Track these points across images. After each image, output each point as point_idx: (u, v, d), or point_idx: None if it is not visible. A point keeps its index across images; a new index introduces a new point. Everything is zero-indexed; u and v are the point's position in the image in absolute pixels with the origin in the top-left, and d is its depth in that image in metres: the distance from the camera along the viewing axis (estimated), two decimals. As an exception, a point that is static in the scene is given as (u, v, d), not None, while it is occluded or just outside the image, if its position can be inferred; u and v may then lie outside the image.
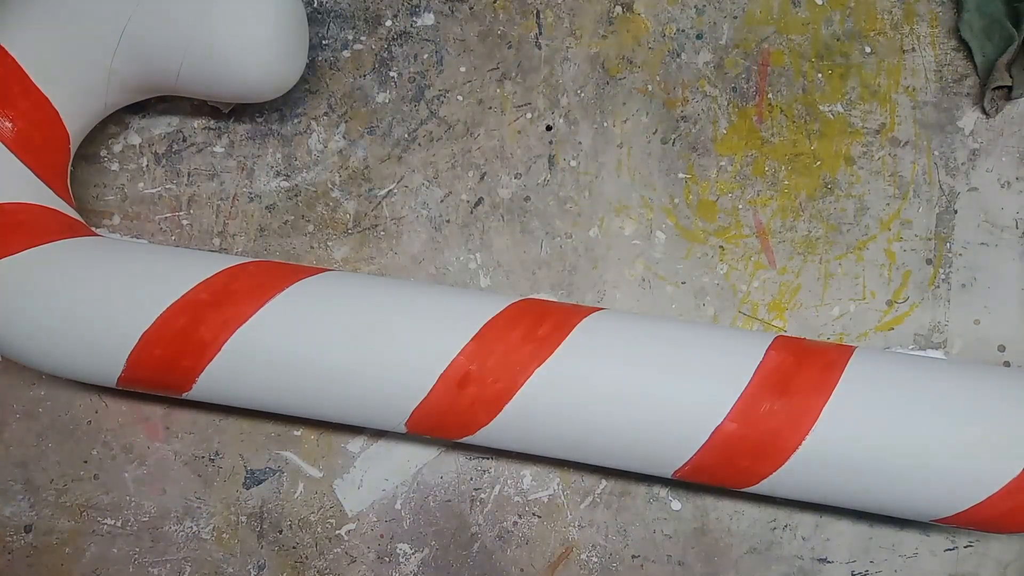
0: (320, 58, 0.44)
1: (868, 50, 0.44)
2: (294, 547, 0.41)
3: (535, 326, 0.35)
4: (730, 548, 0.41)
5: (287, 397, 0.36)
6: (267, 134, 0.44)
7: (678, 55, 0.44)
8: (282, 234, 0.43)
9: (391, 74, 0.44)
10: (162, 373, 0.35)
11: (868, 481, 0.34)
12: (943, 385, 0.34)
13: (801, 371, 0.34)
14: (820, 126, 0.44)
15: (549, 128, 0.44)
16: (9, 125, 0.36)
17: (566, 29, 0.45)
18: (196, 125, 0.44)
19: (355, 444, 0.42)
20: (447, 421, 0.35)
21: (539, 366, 0.34)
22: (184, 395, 0.37)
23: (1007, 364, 0.42)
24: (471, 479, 0.42)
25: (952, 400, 0.33)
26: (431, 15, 0.45)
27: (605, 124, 0.44)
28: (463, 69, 0.44)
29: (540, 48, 0.44)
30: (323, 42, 0.44)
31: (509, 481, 0.41)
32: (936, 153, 0.43)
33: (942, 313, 0.42)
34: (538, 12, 0.45)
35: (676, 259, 0.43)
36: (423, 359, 0.34)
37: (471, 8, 0.45)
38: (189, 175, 0.44)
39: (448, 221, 0.43)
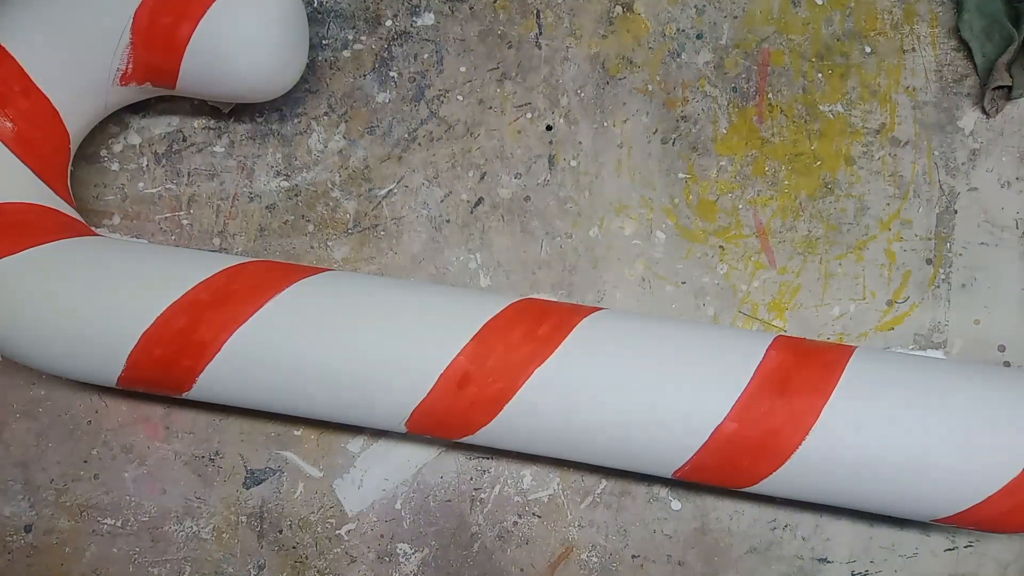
0: (320, 58, 0.44)
1: (868, 50, 0.44)
2: (294, 547, 0.41)
3: (535, 326, 0.35)
4: (730, 548, 0.41)
5: (287, 397, 0.36)
6: (267, 134, 0.44)
7: (678, 55, 0.44)
8: (282, 234, 0.43)
9: (391, 74, 0.44)
10: (162, 373, 0.35)
11: (868, 481, 0.34)
12: (943, 385, 0.34)
13: (801, 371, 0.34)
14: (820, 126, 0.44)
15: (549, 128, 0.44)
16: (9, 125, 0.36)
17: (566, 29, 0.45)
18: (196, 125, 0.44)
19: (355, 444, 0.42)
20: (447, 421, 0.35)
21: (539, 366, 0.34)
22: (184, 395, 0.37)
23: (1007, 364, 0.42)
24: (471, 479, 0.42)
25: (952, 400, 0.33)
26: (431, 15, 0.45)
27: (605, 124, 0.44)
28: (463, 69, 0.44)
29: (540, 48, 0.44)
30: (323, 42, 0.44)
31: (509, 481, 0.41)
32: (936, 153, 0.43)
33: (942, 313, 0.42)
34: (538, 12, 0.45)
35: (676, 259, 0.43)
36: (423, 359, 0.34)
37: (471, 8, 0.45)
38: (189, 175, 0.44)
39: (448, 221, 0.43)
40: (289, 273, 0.36)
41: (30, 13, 0.37)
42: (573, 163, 0.44)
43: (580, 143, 0.44)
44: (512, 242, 0.43)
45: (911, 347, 0.42)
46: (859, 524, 0.41)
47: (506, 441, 0.36)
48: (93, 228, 0.41)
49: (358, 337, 0.35)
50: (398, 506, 0.41)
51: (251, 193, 0.44)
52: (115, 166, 0.44)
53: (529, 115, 0.44)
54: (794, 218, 0.43)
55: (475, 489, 0.41)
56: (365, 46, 0.45)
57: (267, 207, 0.43)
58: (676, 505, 0.41)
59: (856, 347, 0.36)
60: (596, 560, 0.41)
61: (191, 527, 0.41)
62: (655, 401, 0.34)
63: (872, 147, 0.43)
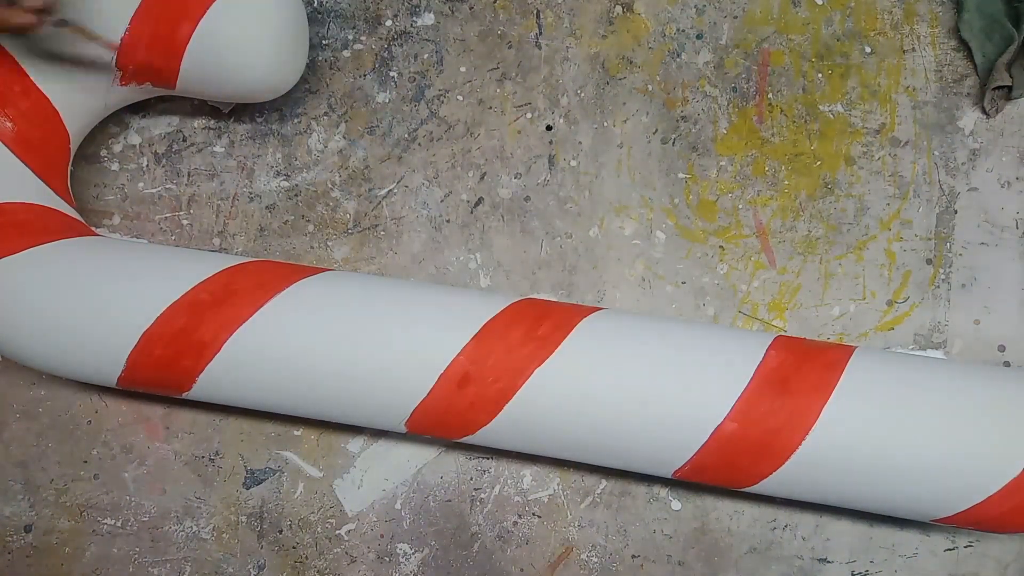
0: (320, 58, 0.44)
1: (868, 50, 0.44)
2: (294, 547, 0.41)
3: (535, 326, 0.35)
4: (730, 548, 0.41)
5: (287, 397, 0.36)
6: (267, 134, 0.44)
7: (678, 55, 0.44)
8: (282, 234, 0.43)
9: (391, 74, 0.44)
10: (162, 373, 0.35)
11: (868, 481, 0.34)
12: (943, 385, 0.34)
13: (801, 371, 0.34)
14: (820, 126, 0.44)
15: (549, 128, 0.44)
16: (9, 125, 0.36)
17: (566, 29, 0.45)
18: (196, 125, 0.44)
19: (355, 444, 0.42)
20: (447, 421, 0.35)
21: (539, 366, 0.34)
22: (184, 395, 0.37)
23: (1007, 364, 0.42)
24: (471, 479, 0.42)
25: (952, 400, 0.33)
26: (431, 15, 0.45)
27: (605, 124, 0.44)
28: (463, 69, 0.44)
29: (540, 48, 0.44)
30: (323, 42, 0.44)
31: (509, 481, 0.41)
32: (936, 153, 0.43)
33: (942, 313, 0.42)
34: (538, 12, 0.45)
35: (676, 259, 0.43)
36: (423, 359, 0.34)
37: (471, 8, 0.45)
38: (189, 175, 0.44)
39: (448, 221, 0.43)
40: (289, 273, 0.36)
41: (30, 13, 0.37)
42: (573, 163, 0.44)
43: (580, 143, 0.44)
44: (512, 242, 0.43)
45: (911, 347, 0.42)
46: (859, 524, 0.41)
47: (506, 441, 0.36)
48: (93, 228, 0.41)
49: (358, 337, 0.35)
50: (398, 506, 0.41)
51: (251, 193, 0.44)
52: (115, 166, 0.44)
53: (529, 115, 0.44)
54: (794, 218, 0.43)
55: (475, 489, 0.41)
56: (365, 46, 0.45)
57: (267, 207, 0.43)
58: (676, 505, 0.41)
59: (856, 347, 0.36)
60: (596, 560, 0.41)
61: (191, 527, 0.41)
62: (655, 401, 0.34)
63: (872, 147, 0.43)
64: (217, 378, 0.35)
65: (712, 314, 0.42)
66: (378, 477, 0.42)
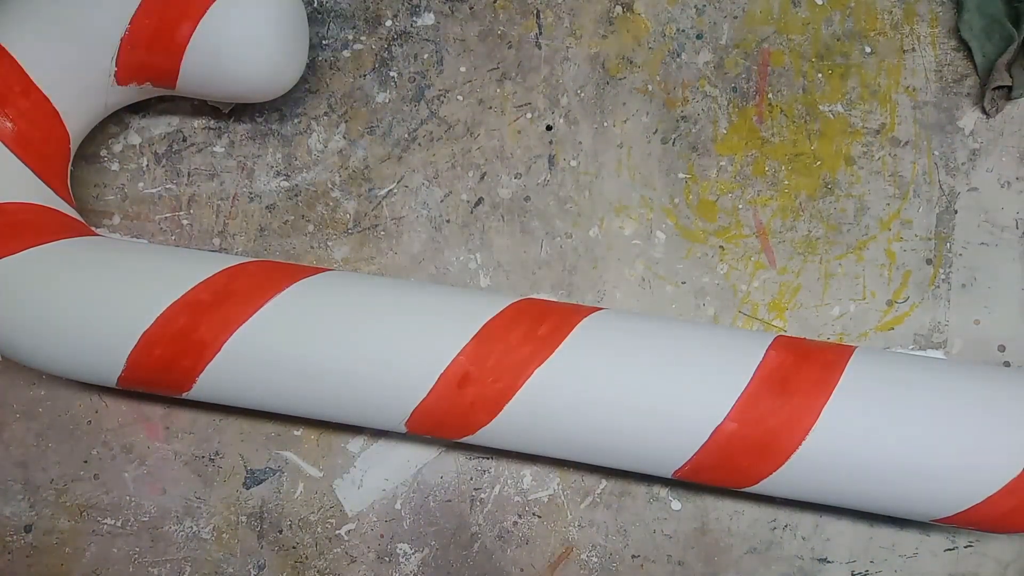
0: (320, 58, 0.44)
1: (868, 50, 0.44)
2: (294, 547, 0.41)
3: (535, 326, 0.35)
4: (730, 548, 0.41)
5: (287, 397, 0.36)
6: (267, 134, 0.44)
7: (678, 55, 0.44)
8: (282, 234, 0.43)
9: (391, 74, 0.44)
10: (162, 373, 0.35)
11: (868, 481, 0.34)
12: (943, 385, 0.34)
13: (801, 371, 0.34)
14: (820, 126, 0.44)
15: (549, 128, 0.44)
16: (9, 125, 0.36)
17: (566, 29, 0.45)
18: (196, 125, 0.44)
19: (355, 444, 0.42)
20: (447, 421, 0.35)
21: (539, 366, 0.34)
22: (184, 395, 0.37)
23: (1007, 364, 0.42)
24: (471, 479, 0.42)
25: (952, 400, 0.33)
26: (431, 15, 0.45)
27: (605, 124, 0.44)
28: (463, 69, 0.44)
29: (540, 48, 0.44)
30: (323, 42, 0.44)
31: (509, 481, 0.41)
32: (936, 153, 0.43)
33: (942, 313, 0.42)
34: (538, 12, 0.45)
35: (676, 259, 0.43)
36: (423, 359, 0.34)
37: (471, 8, 0.45)
38: (189, 175, 0.44)
39: (448, 221, 0.43)
40: (289, 273, 0.36)
41: (30, 13, 0.37)
42: (573, 163, 0.44)
43: (580, 143, 0.44)
44: (512, 242, 0.43)
45: (911, 347, 0.42)
46: (859, 524, 0.41)
47: (506, 441, 0.36)
48: (93, 228, 0.41)
49: (358, 337, 0.35)
50: (398, 506, 0.41)
51: (251, 193, 0.44)
52: (115, 166, 0.44)
53: (529, 115, 0.44)
54: (794, 218, 0.43)
55: (475, 489, 0.41)
56: (365, 46, 0.45)
57: (267, 207, 0.43)
58: (676, 505, 0.41)
59: (856, 347, 0.36)
60: (596, 560, 0.41)
61: (191, 527, 0.41)
62: (655, 401, 0.34)
63: (872, 147, 0.43)
64: (217, 378, 0.35)
65: (712, 314, 0.42)
66: (378, 477, 0.42)
